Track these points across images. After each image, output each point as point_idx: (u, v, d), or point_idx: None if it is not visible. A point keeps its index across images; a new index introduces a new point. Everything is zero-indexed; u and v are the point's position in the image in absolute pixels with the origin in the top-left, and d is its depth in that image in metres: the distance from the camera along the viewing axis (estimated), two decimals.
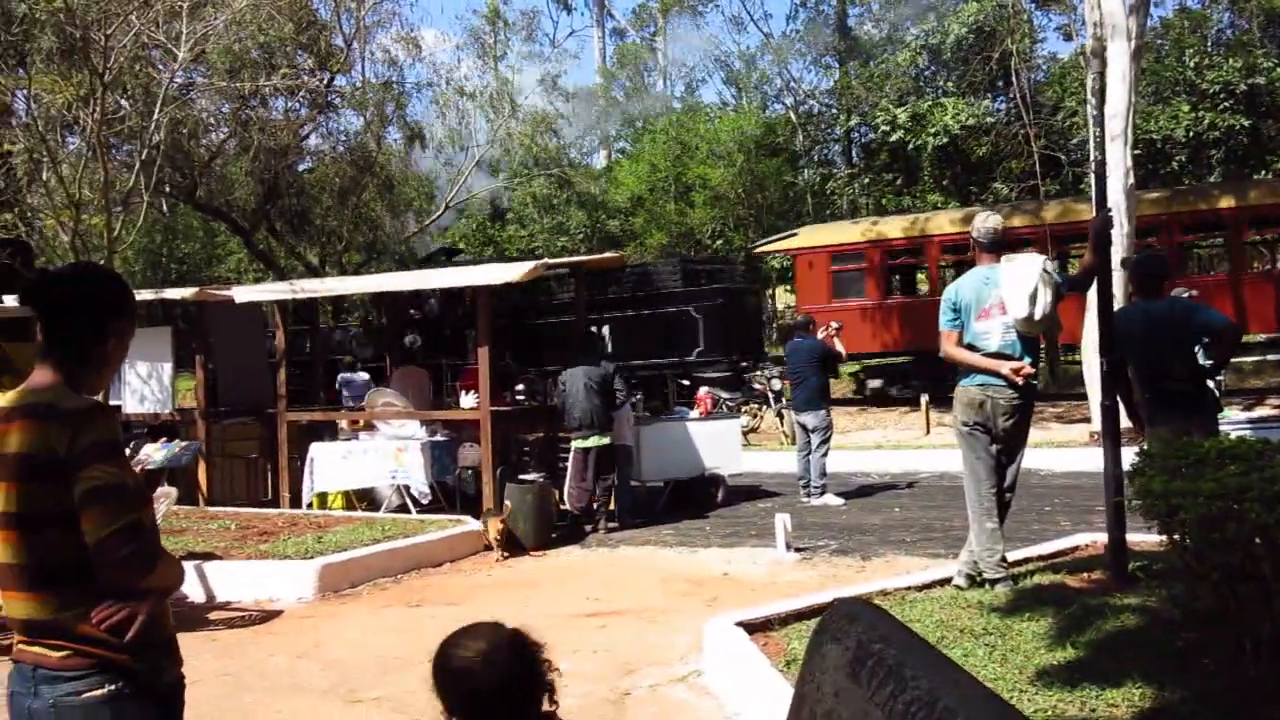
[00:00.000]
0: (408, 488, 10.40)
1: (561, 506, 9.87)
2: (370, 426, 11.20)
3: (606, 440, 9.78)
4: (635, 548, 9.04)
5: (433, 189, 30.11)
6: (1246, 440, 4.59)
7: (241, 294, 12.10)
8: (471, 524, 9.41)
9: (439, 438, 10.70)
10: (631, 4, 56.26)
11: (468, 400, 10.80)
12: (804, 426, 10.83)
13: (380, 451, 10.53)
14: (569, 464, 9.83)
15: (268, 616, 7.22)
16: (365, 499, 10.92)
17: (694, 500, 10.83)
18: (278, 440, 11.22)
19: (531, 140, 28.30)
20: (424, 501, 10.35)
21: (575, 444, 9.77)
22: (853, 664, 2.30)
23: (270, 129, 19.84)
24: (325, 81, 21.22)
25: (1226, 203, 17.56)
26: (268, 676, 5.82)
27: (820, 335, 10.96)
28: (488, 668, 2.02)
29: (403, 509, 10.38)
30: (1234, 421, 8.11)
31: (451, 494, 10.74)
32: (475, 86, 30.70)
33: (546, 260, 13.08)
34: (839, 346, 11.13)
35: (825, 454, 10.76)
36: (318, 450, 10.83)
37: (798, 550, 8.24)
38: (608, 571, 8.23)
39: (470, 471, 10.66)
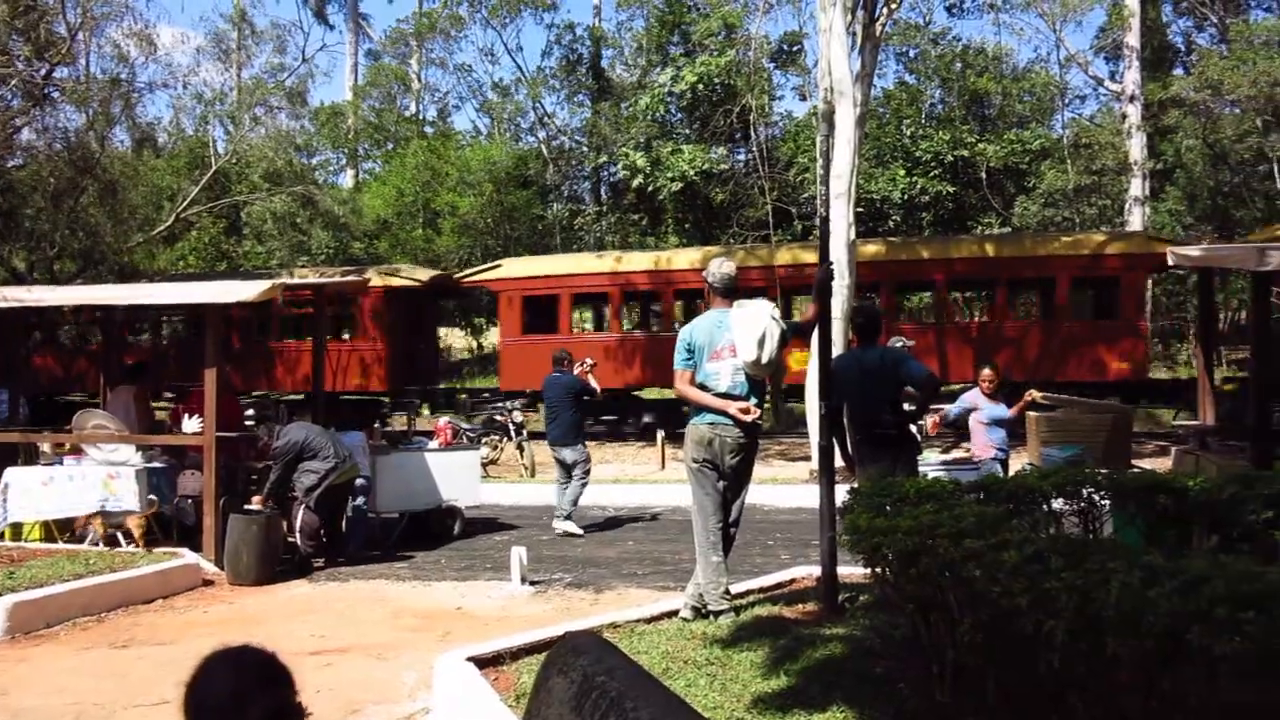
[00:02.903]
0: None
1: (290, 539, 9.45)
2: (78, 450, 10.31)
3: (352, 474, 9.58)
4: (366, 582, 8.79)
5: (162, 198, 28.28)
6: (941, 481, 5.05)
7: None
8: (190, 557, 8.85)
9: (156, 464, 10.01)
10: (388, 24, 55.32)
11: (190, 424, 10.17)
12: (560, 461, 11.00)
13: (88, 478, 9.71)
14: (299, 494, 9.43)
15: None
16: (68, 530, 10.01)
17: (430, 533, 10.65)
18: None
19: (274, 154, 27.17)
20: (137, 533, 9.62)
21: (312, 475, 9.41)
22: (577, 697, 2.35)
23: None
24: (43, 72, 19.55)
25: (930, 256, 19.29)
26: None
27: (575, 371, 11.18)
28: (237, 701, 1.92)
29: (112, 541, 9.61)
30: (931, 464, 8.85)
31: (169, 524, 10.04)
32: (216, 93, 29.23)
33: (285, 280, 12.56)
34: (593, 382, 11.37)
35: (584, 486, 10.98)
36: (13, 476, 9.86)
37: (533, 583, 8.28)
38: (336, 607, 7.94)
39: (190, 501, 10.02)
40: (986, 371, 9.26)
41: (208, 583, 8.69)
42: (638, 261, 21.12)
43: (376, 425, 16.41)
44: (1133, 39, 26.57)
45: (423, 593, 8.36)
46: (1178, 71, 30.78)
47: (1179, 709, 2.94)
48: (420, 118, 40.03)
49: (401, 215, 32.31)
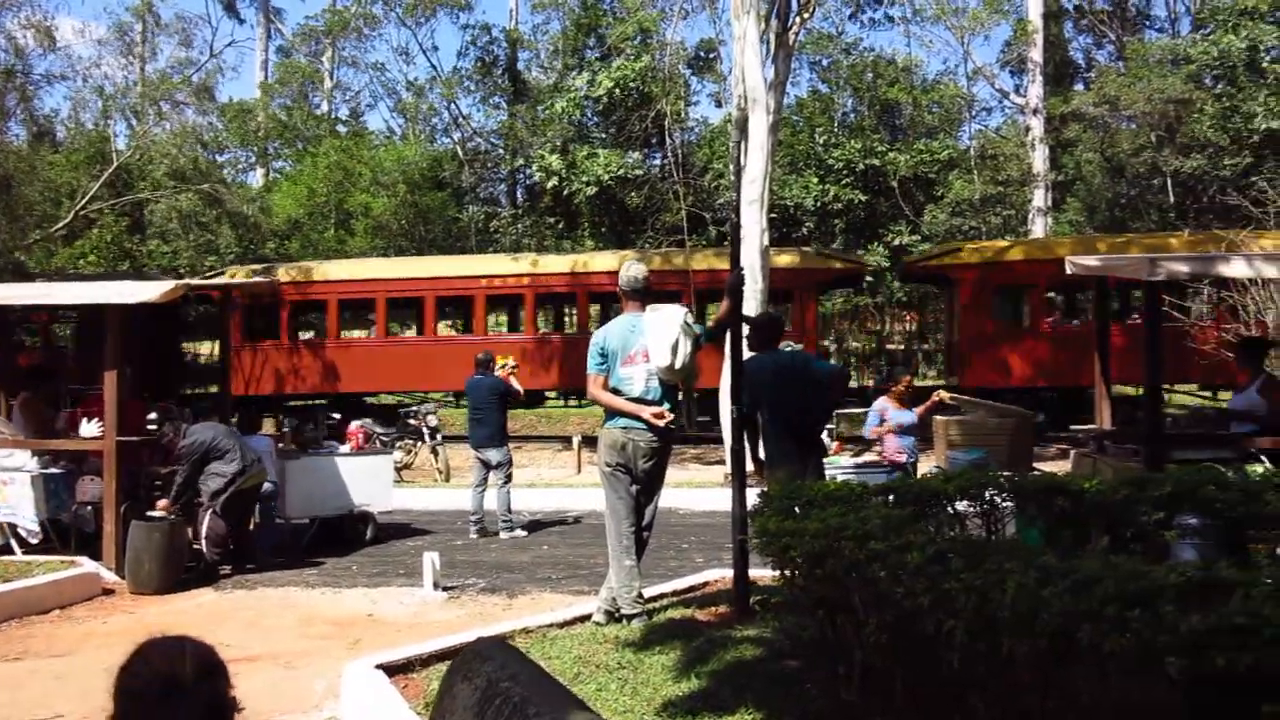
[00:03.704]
0: (13, 525, 9.32)
1: (195, 546, 9.22)
2: None
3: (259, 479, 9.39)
4: (275, 589, 8.61)
5: (61, 195, 27.31)
6: (849, 484, 5.15)
7: None
8: (88, 565, 8.58)
9: (54, 470, 9.67)
10: (302, 19, 54.32)
11: (90, 429, 9.85)
12: (485, 462, 11.05)
13: None
14: (205, 498, 9.20)
15: None
16: None
17: (342, 538, 10.49)
18: None
19: (179, 151, 26.46)
20: (33, 541, 9.30)
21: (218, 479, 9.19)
22: (481, 703, 2.35)
23: None
24: None
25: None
26: None
27: (498, 372, 11.21)
28: (169, 690, 1.87)
29: (5, 549, 9.27)
30: (842, 466, 9.02)
31: (66, 533, 9.71)
32: (119, 87, 28.36)
33: (189, 281, 12.25)
34: (515, 384, 11.41)
35: (509, 490, 11.07)
36: None
37: (446, 589, 8.21)
38: (244, 615, 7.77)
39: (90, 508, 9.69)
40: (903, 379, 9.54)
41: (108, 592, 8.43)
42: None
43: (310, 427, 16.21)
44: (1036, 54, 27.39)
45: (333, 600, 8.23)
46: (1078, 87, 31.84)
47: (1073, 707, 3.05)
48: (333, 116, 39.35)
49: (313, 215, 31.72)
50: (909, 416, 9.25)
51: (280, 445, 11.13)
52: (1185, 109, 23.00)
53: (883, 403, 9.43)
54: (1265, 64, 21.56)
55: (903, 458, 9.13)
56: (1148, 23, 33.00)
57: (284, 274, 21.20)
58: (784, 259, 19.00)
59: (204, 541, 9.11)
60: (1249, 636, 2.34)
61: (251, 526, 9.79)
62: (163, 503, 9.04)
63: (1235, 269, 7.70)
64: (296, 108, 37.52)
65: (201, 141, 28.73)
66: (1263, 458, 6.87)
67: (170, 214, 28.86)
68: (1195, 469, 5.49)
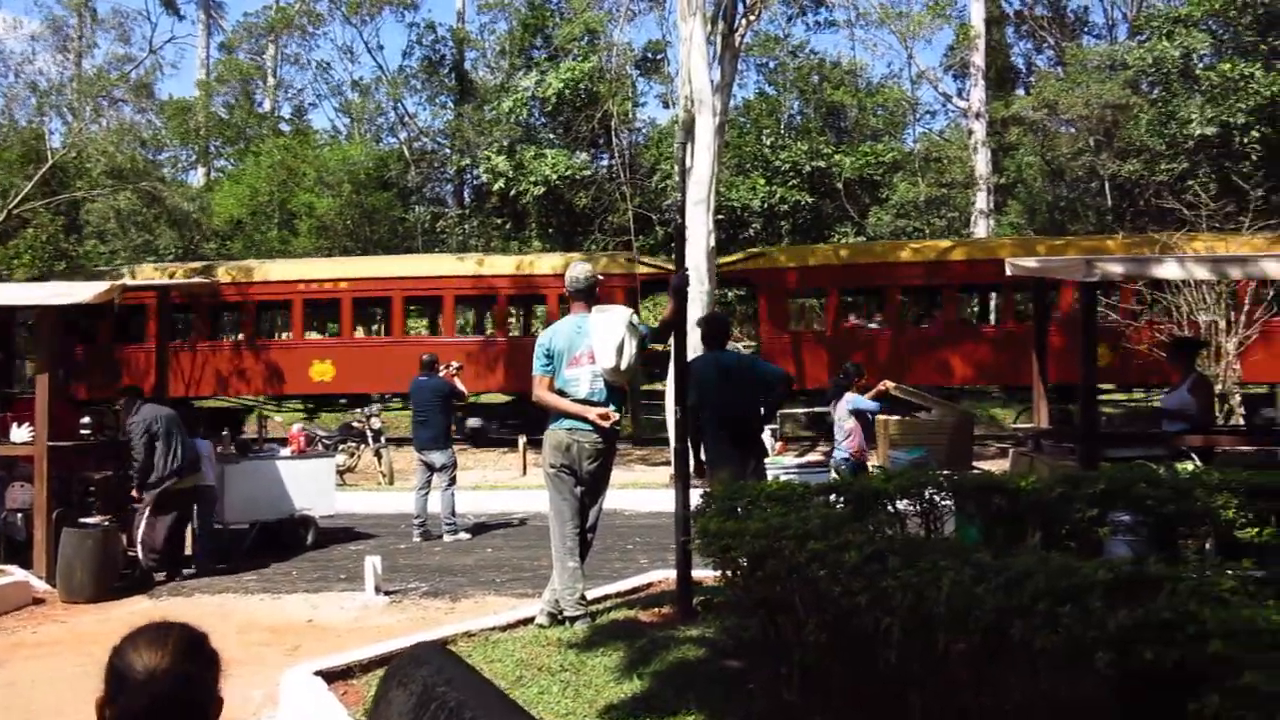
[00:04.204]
0: None
1: (130, 553, 9.03)
2: None
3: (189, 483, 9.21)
4: (213, 596, 8.47)
5: None
6: (792, 484, 5.17)
7: None
8: (18, 574, 8.38)
9: None
10: (243, 15, 53.48)
11: (20, 433, 9.61)
12: (428, 464, 11.01)
13: None
14: (142, 505, 9.02)
15: None
16: None
17: (282, 543, 10.34)
18: None
19: (116, 149, 25.90)
20: None
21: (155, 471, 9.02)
22: (416, 709, 2.32)
23: None
24: None
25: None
26: None
27: (441, 373, 11.14)
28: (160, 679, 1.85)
29: None
30: (785, 466, 9.10)
31: None
32: (53, 83, 27.73)
33: (125, 282, 12.01)
34: (460, 386, 11.37)
35: (453, 493, 11.01)
36: None
37: (387, 593, 8.12)
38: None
39: (20, 515, 9.45)
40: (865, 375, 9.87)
41: (39, 601, 8.24)
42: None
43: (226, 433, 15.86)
44: (978, 59, 27.81)
45: (272, 606, 8.11)
46: (1019, 91, 32.36)
47: (1007, 702, 3.07)
48: (276, 115, 38.78)
49: (256, 215, 31.21)
50: (876, 405, 9.62)
51: (220, 449, 10.94)
52: (1122, 114, 23.45)
53: (856, 396, 9.71)
54: (1199, 71, 22.04)
55: (864, 452, 9.45)
56: (1086, 29, 33.64)
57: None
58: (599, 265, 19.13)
59: (139, 547, 8.93)
60: (1175, 632, 2.37)
61: (189, 531, 9.61)
62: (135, 494, 8.94)
63: (1168, 270, 7.86)
64: (238, 106, 36.93)
65: (140, 139, 28.16)
66: (1193, 455, 7.02)
67: (108, 213, 28.26)
68: (1128, 467, 5.59)
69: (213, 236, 30.41)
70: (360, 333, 23.01)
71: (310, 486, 10.60)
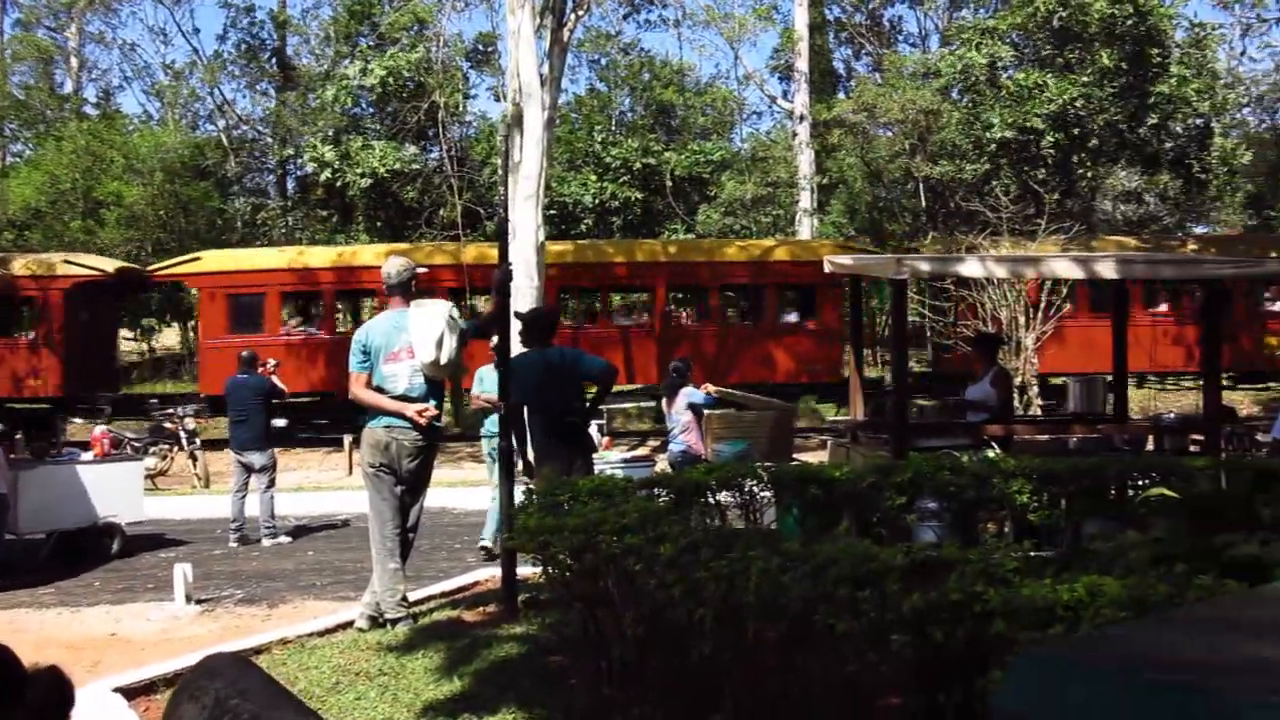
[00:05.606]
0: None
1: None
2: None
3: None
4: (3, 611, 7.87)
5: None
6: (614, 479, 5.19)
7: None
8: None
9: None
10: None
11: None
12: (246, 465, 10.60)
13: None
14: None
15: None
16: None
17: (84, 553, 9.72)
18: None
19: None
20: None
21: None
22: None
23: None
24: None
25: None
26: None
27: (259, 371, 10.76)
28: None
29: None
30: (610, 462, 9.15)
31: None
32: None
33: None
34: (279, 384, 11.00)
35: (272, 495, 10.62)
36: None
37: (199, 602, 7.74)
38: None
39: None
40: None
41: None
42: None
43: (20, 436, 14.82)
44: (802, 64, 28.63)
45: (71, 620, 7.61)
46: (841, 95, 33.53)
47: (814, 688, 3.16)
48: (79, 97, 36.48)
49: (57, 204, 29.26)
50: (712, 399, 9.89)
51: (12, 455, 10.20)
52: (934, 119, 24.59)
53: (693, 390, 9.90)
54: (1003, 78, 23.34)
55: (699, 446, 9.62)
56: (901, 38, 35.18)
57: None
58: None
59: None
60: (963, 611, 2.48)
61: None
62: None
63: (970, 269, 8.28)
64: (37, 86, 34.56)
65: None
66: (993, 444, 7.43)
67: None
68: (934, 456, 5.87)
69: (8, 226, 28.38)
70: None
71: (115, 492, 9.99)
